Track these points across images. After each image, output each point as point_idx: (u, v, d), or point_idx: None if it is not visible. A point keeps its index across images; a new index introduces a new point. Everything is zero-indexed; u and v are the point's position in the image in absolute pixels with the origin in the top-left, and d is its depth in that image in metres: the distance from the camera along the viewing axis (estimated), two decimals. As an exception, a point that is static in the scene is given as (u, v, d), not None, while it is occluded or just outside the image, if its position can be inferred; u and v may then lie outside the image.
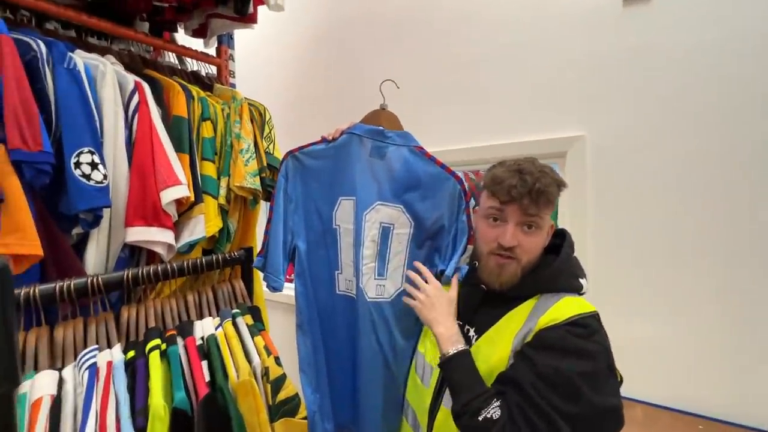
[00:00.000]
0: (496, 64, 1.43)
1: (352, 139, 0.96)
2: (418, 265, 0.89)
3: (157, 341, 0.75)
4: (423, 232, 0.94)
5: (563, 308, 0.70)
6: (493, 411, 0.63)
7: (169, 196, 0.90)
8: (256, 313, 0.99)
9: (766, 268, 1.03)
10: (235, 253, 1.05)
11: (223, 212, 1.10)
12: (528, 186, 0.70)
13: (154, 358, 0.71)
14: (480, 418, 0.63)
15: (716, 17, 1.08)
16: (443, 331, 0.75)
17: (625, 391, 0.70)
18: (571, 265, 0.78)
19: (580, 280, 0.77)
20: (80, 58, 0.84)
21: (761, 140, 1.03)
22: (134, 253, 0.93)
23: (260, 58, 2.08)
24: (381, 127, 0.95)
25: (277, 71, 2.05)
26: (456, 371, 0.71)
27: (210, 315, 0.93)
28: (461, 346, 0.73)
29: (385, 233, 0.94)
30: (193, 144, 1.02)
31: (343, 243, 0.97)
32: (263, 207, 1.34)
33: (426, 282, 0.85)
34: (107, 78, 0.87)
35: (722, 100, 1.07)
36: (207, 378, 0.74)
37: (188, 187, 0.95)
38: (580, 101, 1.27)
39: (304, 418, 0.87)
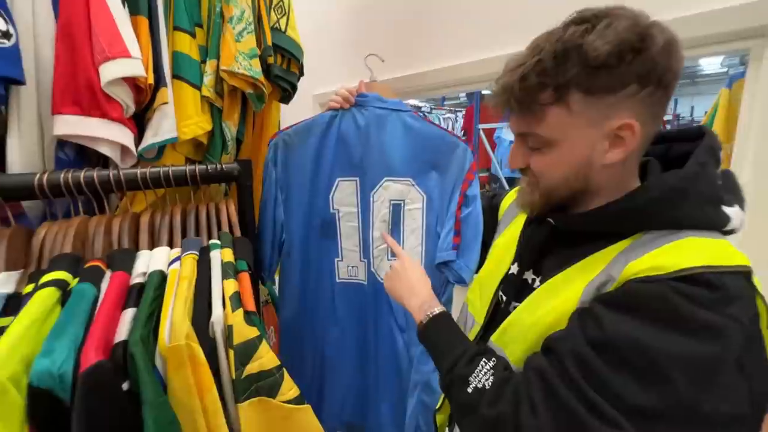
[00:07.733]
0: None
1: (343, 113, 0.87)
2: (385, 236, 0.85)
3: (62, 274, 0.51)
4: (435, 204, 0.87)
5: (676, 252, 0.44)
6: (485, 378, 0.49)
7: (110, 72, 0.62)
8: (243, 247, 0.71)
9: None
10: (224, 166, 0.76)
11: (215, 110, 0.81)
12: (500, 91, 0.50)
13: (41, 298, 0.47)
14: (469, 390, 0.49)
15: None
16: (414, 302, 0.66)
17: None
18: (707, 184, 0.48)
19: (725, 208, 0.48)
20: None
21: None
22: (83, 156, 0.70)
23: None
24: (376, 94, 0.87)
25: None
26: (433, 336, 0.61)
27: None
28: (436, 309, 0.63)
29: (396, 211, 0.88)
30: (156, 3, 0.71)
31: (343, 228, 0.91)
32: (282, 110, 1.03)
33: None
34: None
35: None
36: (122, 337, 0.49)
37: (144, 64, 0.66)
38: None
39: (291, 401, 0.60)
